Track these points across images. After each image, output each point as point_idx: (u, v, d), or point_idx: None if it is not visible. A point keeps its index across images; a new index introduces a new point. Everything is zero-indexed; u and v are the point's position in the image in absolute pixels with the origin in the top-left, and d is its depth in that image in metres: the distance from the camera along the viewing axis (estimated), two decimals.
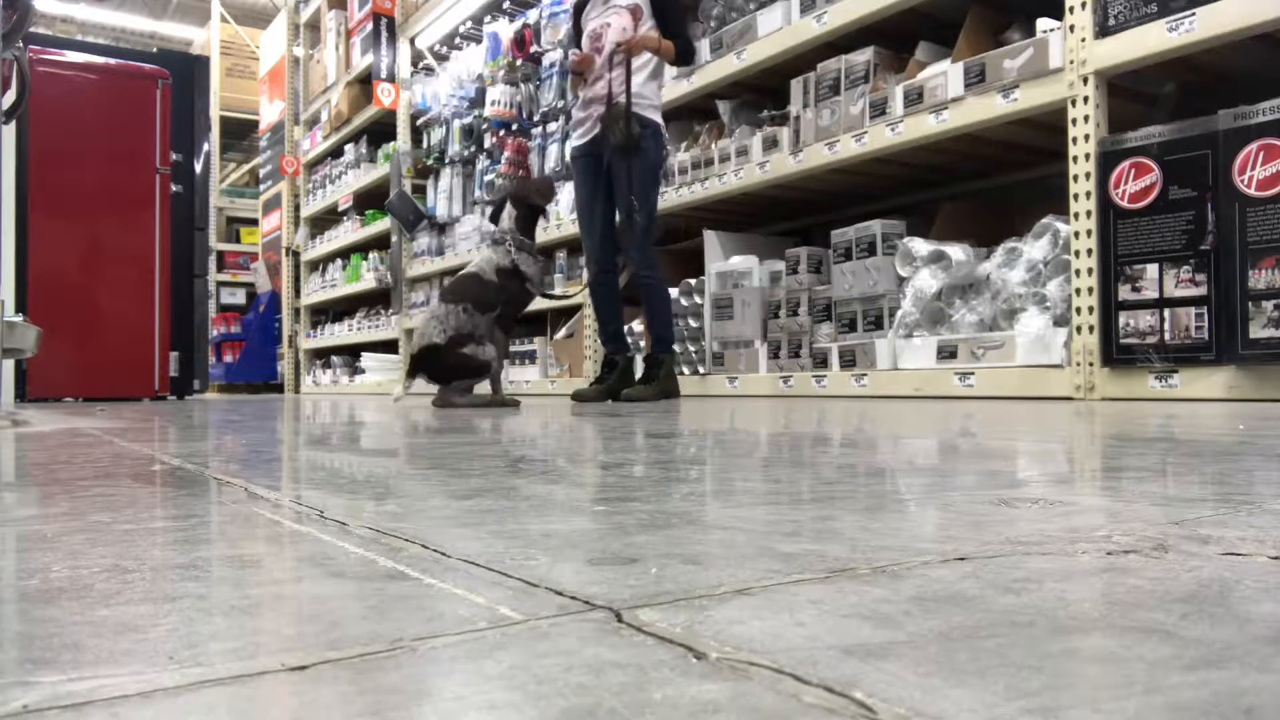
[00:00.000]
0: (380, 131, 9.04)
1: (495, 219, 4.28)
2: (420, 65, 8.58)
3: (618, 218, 4.29)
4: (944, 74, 3.80)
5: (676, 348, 5.24)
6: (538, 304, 6.62)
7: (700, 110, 5.42)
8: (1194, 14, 2.99)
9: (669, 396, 4.28)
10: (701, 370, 4.97)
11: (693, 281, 5.06)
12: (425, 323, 4.00)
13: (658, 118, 4.29)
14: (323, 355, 10.93)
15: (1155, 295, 3.07)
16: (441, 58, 8.31)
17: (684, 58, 4.31)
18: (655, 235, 4.33)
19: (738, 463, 1.34)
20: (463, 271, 4.18)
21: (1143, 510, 0.81)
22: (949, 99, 3.76)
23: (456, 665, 0.42)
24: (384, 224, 8.82)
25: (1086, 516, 0.79)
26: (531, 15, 6.64)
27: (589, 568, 0.61)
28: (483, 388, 4.10)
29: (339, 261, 10.18)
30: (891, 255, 4.04)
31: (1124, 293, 3.15)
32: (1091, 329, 3.23)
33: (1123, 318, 3.15)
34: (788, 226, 5.71)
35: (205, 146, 8.55)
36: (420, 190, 8.30)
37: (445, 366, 3.93)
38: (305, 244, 10.90)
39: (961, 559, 0.62)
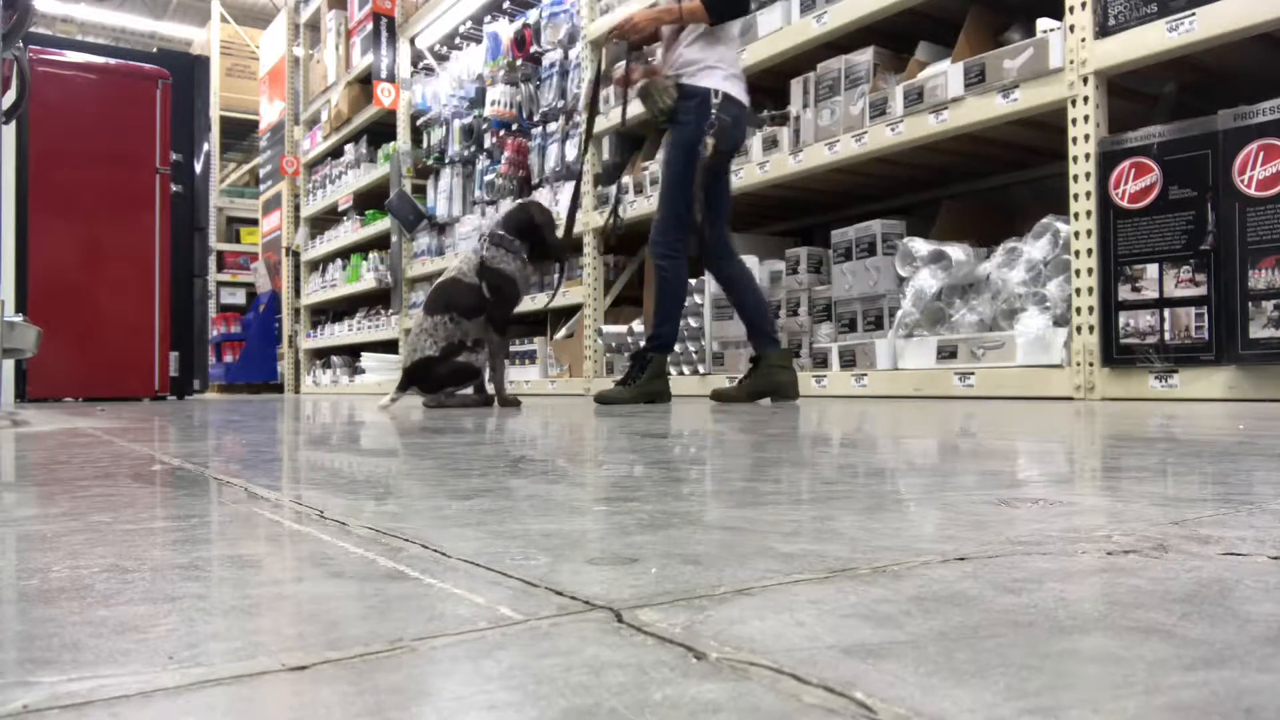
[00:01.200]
0: (380, 131, 9.05)
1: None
2: (420, 65, 8.58)
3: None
4: (944, 74, 3.80)
5: (677, 347, 5.23)
6: (537, 304, 6.63)
7: None
8: (1194, 14, 2.99)
9: (652, 401, 3.80)
10: (702, 370, 4.97)
11: (693, 281, 5.06)
12: (415, 336, 3.97)
13: (711, 82, 3.67)
14: (323, 355, 10.93)
15: (1155, 295, 3.07)
16: (441, 58, 8.31)
17: (721, 10, 3.64)
18: (677, 222, 3.73)
19: (737, 463, 1.34)
20: (441, 277, 4.11)
21: (1143, 510, 0.81)
22: (949, 99, 3.76)
23: (456, 665, 0.42)
24: (384, 224, 8.82)
25: (1086, 516, 0.79)
26: (531, 15, 6.64)
27: (589, 568, 0.61)
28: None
29: (339, 261, 10.19)
30: (891, 255, 4.04)
31: (1124, 293, 3.15)
32: (1091, 329, 3.23)
33: (1123, 318, 3.15)
34: (788, 226, 5.71)
35: (205, 146, 8.56)
36: (420, 190, 8.30)
37: (437, 377, 3.93)
38: (305, 244, 10.91)
39: (961, 559, 0.62)
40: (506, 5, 7.23)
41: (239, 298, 12.81)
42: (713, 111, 3.65)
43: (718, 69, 3.69)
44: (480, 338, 3.97)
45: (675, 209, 3.72)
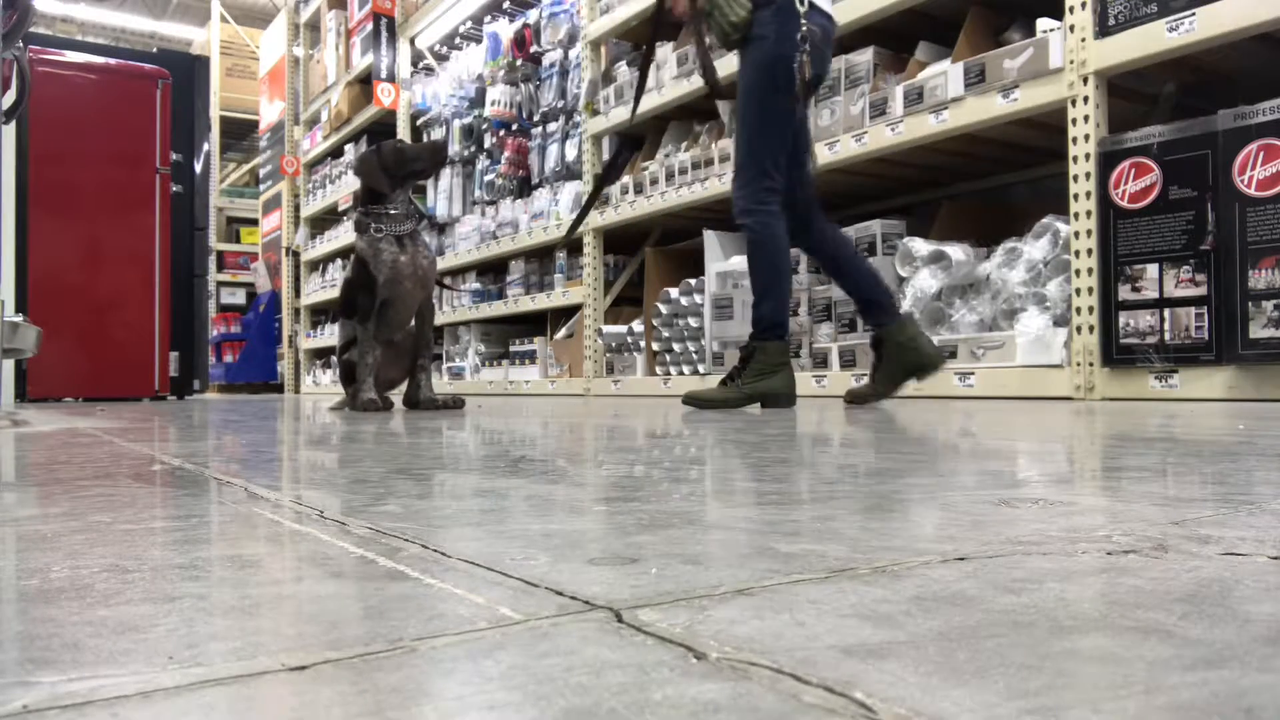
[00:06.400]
0: (380, 131, 9.03)
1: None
2: (420, 65, 8.58)
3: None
4: (944, 74, 3.80)
5: (677, 346, 5.23)
6: (537, 304, 6.63)
7: (700, 110, 5.43)
8: (1194, 14, 2.99)
9: (766, 403, 3.10)
10: (701, 370, 4.97)
11: (693, 281, 5.06)
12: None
13: None
14: (323, 355, 10.93)
15: (1155, 295, 3.07)
16: (441, 58, 8.31)
17: None
18: (766, 164, 2.99)
19: (737, 463, 1.34)
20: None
21: (1143, 510, 0.81)
22: (949, 99, 3.76)
23: (456, 665, 0.42)
24: None
25: (1086, 516, 0.78)
26: (531, 15, 6.64)
27: (589, 567, 0.61)
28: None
29: (339, 261, 10.18)
30: (891, 255, 4.04)
31: (1124, 293, 3.15)
32: (1091, 329, 3.23)
33: (1123, 318, 3.15)
34: None
35: (205, 146, 8.55)
36: (420, 190, 8.30)
37: (342, 373, 3.92)
38: (305, 244, 10.91)
39: (961, 559, 0.62)
40: (506, 5, 7.23)
41: (239, 298, 12.81)
42: (801, 21, 2.87)
43: None
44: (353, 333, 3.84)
45: (758, 152, 3.00)
